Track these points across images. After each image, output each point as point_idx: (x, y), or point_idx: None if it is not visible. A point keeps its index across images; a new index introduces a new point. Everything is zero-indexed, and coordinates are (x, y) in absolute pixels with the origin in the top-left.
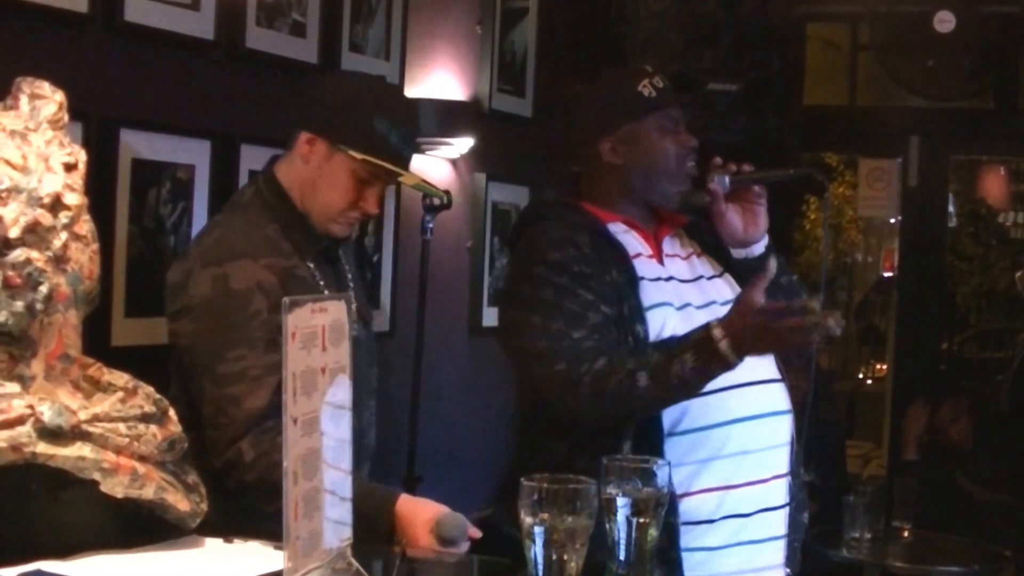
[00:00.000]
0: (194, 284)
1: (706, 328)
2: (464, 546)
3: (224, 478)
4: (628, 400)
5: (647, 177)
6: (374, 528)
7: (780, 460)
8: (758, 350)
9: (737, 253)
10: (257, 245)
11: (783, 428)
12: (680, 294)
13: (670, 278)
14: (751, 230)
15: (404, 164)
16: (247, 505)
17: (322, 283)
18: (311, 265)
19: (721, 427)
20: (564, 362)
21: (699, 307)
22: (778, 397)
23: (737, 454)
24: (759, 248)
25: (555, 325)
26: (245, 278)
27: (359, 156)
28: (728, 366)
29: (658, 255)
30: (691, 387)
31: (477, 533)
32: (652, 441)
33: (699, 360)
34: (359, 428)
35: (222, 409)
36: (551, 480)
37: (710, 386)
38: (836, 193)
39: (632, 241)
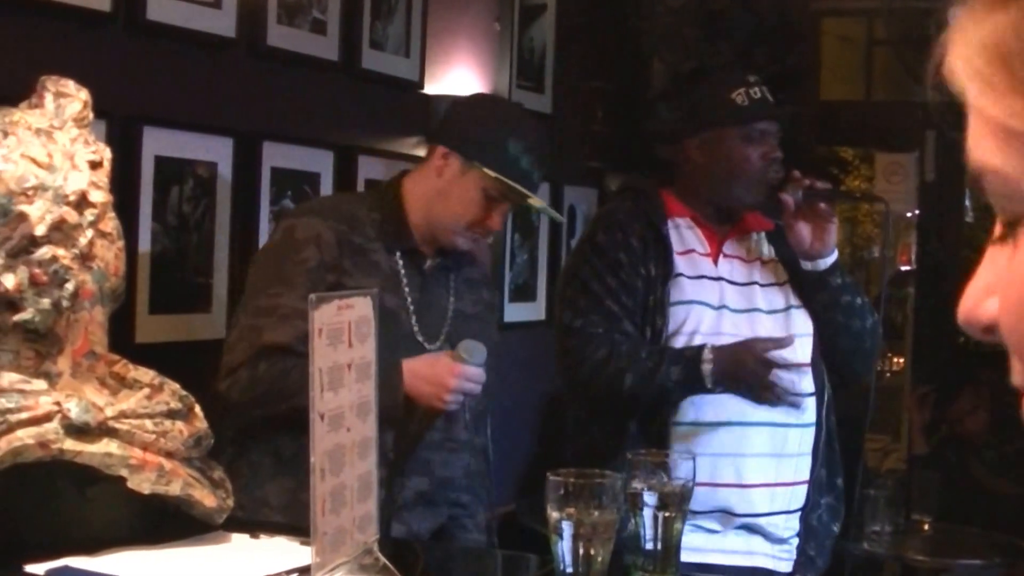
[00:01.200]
0: (271, 237)
1: (700, 349)
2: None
3: (228, 395)
4: (613, 395)
5: (724, 182)
6: (387, 392)
7: (780, 468)
8: (733, 388)
9: (804, 265)
10: (335, 212)
11: (794, 438)
12: (723, 295)
13: (719, 278)
14: (817, 245)
15: (532, 187)
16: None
17: (405, 281)
18: (399, 261)
19: (717, 427)
20: (576, 340)
21: (737, 310)
22: (797, 410)
23: (729, 455)
24: (824, 263)
25: (581, 303)
26: (307, 230)
27: (492, 174)
28: (706, 389)
29: (715, 254)
30: (670, 396)
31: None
32: (658, 429)
33: (683, 376)
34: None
35: (243, 336)
36: (577, 475)
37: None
38: (851, 187)
39: (691, 237)
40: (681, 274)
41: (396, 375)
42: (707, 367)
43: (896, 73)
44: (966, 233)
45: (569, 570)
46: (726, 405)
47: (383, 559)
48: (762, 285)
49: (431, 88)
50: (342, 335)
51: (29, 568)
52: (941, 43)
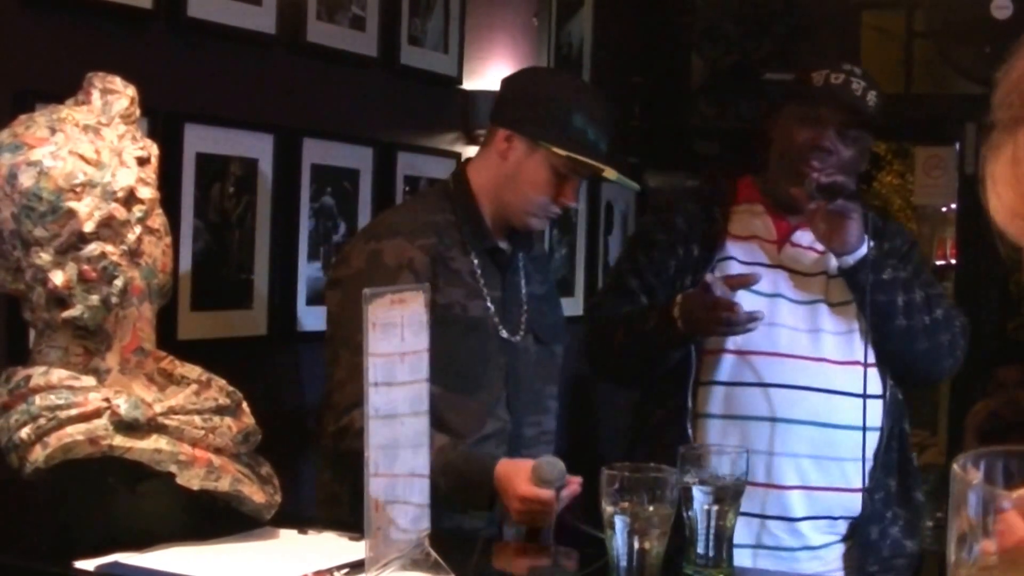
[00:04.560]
0: (352, 257)
1: (674, 297)
2: (565, 487)
3: (338, 443)
4: (607, 354)
5: (775, 162)
6: (477, 490)
7: (825, 471)
8: (692, 326)
9: (835, 261)
10: (417, 226)
11: (837, 440)
12: (778, 284)
13: (778, 266)
14: (836, 242)
15: (602, 158)
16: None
17: (483, 282)
18: (475, 261)
19: (750, 421)
20: (598, 312)
21: (797, 301)
22: (845, 410)
23: (762, 454)
24: (848, 260)
25: (608, 280)
26: (397, 255)
27: (561, 152)
28: (679, 333)
29: (780, 242)
30: (650, 344)
31: (577, 478)
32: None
33: (658, 322)
34: (517, 439)
35: (352, 375)
36: (632, 468)
37: (757, 379)
38: (884, 182)
39: (758, 223)
40: (732, 258)
41: (487, 479)
42: (676, 310)
43: (935, 66)
44: None
45: (623, 564)
46: (759, 399)
47: (434, 554)
48: (831, 277)
49: (469, 84)
50: (395, 329)
51: (79, 564)
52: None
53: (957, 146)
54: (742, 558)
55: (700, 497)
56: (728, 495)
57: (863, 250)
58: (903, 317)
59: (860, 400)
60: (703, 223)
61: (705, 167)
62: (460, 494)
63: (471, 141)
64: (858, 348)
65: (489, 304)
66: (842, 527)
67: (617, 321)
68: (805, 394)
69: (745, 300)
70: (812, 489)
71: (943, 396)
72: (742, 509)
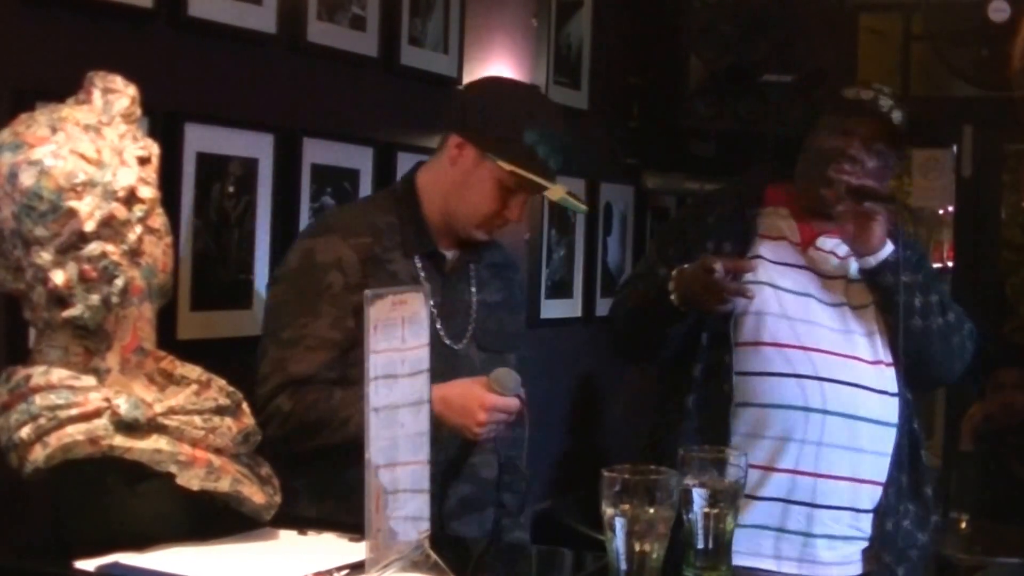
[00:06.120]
0: (291, 253)
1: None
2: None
3: (264, 431)
4: (618, 326)
5: (804, 168)
6: None
7: (854, 462)
8: (684, 297)
9: (858, 262)
10: (356, 225)
11: (866, 434)
12: (804, 283)
13: (801, 266)
14: (859, 244)
15: (551, 177)
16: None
17: (426, 286)
18: (418, 264)
19: (784, 410)
20: (622, 290)
21: (825, 303)
22: (874, 406)
23: (795, 441)
24: (871, 261)
25: (637, 267)
26: (328, 252)
27: (507, 167)
28: (675, 309)
29: (804, 246)
30: (649, 316)
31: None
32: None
33: (656, 294)
34: (454, 442)
35: (275, 369)
36: (632, 471)
37: (789, 370)
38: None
39: (784, 226)
40: (761, 256)
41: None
42: (671, 284)
43: (933, 68)
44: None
45: (624, 567)
46: (795, 390)
47: (434, 556)
48: (850, 281)
49: None
50: (396, 331)
51: (79, 564)
52: None
53: (954, 148)
54: (764, 540)
55: (700, 500)
56: (728, 498)
57: (885, 252)
58: (920, 318)
59: (886, 397)
60: (735, 222)
61: (742, 169)
62: None
63: None
64: (880, 349)
65: (432, 309)
66: (864, 520)
67: (630, 292)
68: (838, 388)
69: (778, 298)
70: (839, 479)
71: (939, 399)
72: (768, 493)
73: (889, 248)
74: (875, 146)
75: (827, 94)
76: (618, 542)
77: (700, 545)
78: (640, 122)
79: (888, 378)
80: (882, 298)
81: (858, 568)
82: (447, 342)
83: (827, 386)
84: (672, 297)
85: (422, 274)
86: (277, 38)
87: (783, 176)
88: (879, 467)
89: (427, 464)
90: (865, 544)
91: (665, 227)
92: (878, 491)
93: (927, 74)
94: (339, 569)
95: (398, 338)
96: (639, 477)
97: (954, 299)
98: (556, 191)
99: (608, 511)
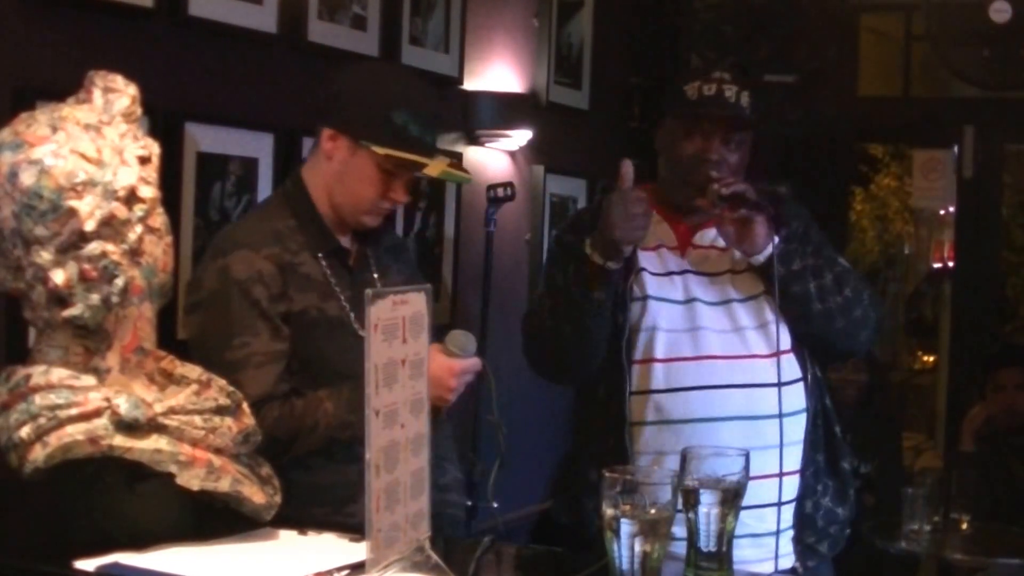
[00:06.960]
0: (204, 278)
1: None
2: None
3: None
4: (543, 339)
5: (667, 173)
6: None
7: (765, 461)
8: (605, 239)
9: (738, 253)
10: (260, 236)
11: (772, 430)
12: (690, 288)
13: (684, 271)
14: (745, 244)
15: (428, 153)
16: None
17: (334, 282)
18: (324, 263)
19: (683, 424)
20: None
21: (711, 303)
22: (770, 400)
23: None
24: (759, 259)
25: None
26: (245, 267)
27: (381, 151)
28: (596, 266)
29: (683, 247)
30: (573, 295)
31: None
32: (620, 432)
33: (574, 265)
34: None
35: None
36: (633, 472)
37: (687, 384)
38: (881, 184)
39: (660, 231)
40: (644, 269)
41: None
42: (588, 240)
43: (934, 68)
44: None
45: (625, 567)
46: (689, 402)
47: (435, 556)
48: (735, 272)
49: (470, 84)
50: (397, 331)
51: (79, 564)
52: None
53: (955, 149)
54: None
55: (700, 499)
56: (728, 496)
57: (771, 246)
58: (818, 302)
59: (788, 387)
60: None
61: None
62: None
63: (471, 141)
64: (777, 338)
65: (344, 303)
66: (787, 511)
67: (540, 305)
68: (734, 392)
69: (666, 312)
70: (753, 479)
71: (940, 400)
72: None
73: (775, 240)
74: (733, 139)
75: (669, 92)
76: (619, 543)
77: (703, 545)
78: (640, 121)
79: (790, 366)
80: (777, 288)
81: (791, 560)
82: (362, 333)
83: (723, 393)
84: (586, 247)
85: (328, 271)
86: (278, 37)
87: (644, 177)
88: (793, 457)
89: (428, 464)
90: (792, 533)
91: (550, 252)
92: (796, 479)
93: (928, 74)
94: (339, 569)
95: (399, 338)
96: (640, 477)
97: (955, 299)
98: (435, 167)
99: (609, 511)
